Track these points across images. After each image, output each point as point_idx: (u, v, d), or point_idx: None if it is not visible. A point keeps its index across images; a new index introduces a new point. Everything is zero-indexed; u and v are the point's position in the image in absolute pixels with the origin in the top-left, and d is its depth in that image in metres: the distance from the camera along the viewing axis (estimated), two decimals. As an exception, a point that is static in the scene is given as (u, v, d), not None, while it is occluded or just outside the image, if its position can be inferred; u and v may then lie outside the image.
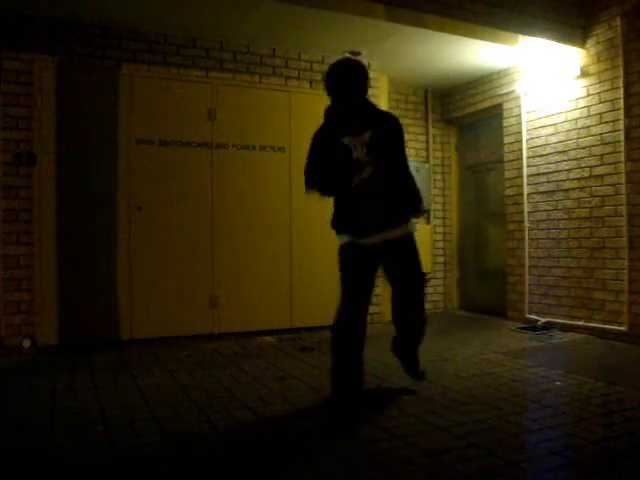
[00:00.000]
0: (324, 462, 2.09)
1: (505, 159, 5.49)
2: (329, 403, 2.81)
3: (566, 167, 4.78)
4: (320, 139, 2.89)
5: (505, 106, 5.50)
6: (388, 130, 2.87)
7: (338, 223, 2.89)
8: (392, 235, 2.80)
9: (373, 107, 2.96)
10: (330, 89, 2.84)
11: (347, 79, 2.81)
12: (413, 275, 2.92)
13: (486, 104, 5.75)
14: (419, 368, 3.09)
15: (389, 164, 2.81)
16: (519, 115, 5.28)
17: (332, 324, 2.86)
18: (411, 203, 2.89)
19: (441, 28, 4.29)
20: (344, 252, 2.85)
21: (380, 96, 5.36)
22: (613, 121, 4.37)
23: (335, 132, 2.82)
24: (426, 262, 6.05)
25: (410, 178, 2.91)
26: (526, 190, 5.18)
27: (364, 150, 2.77)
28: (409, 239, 2.88)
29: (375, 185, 2.77)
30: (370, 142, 2.77)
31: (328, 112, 2.93)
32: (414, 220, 2.95)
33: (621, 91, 4.28)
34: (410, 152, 5.77)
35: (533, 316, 5.06)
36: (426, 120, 6.27)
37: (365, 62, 5.05)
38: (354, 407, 2.73)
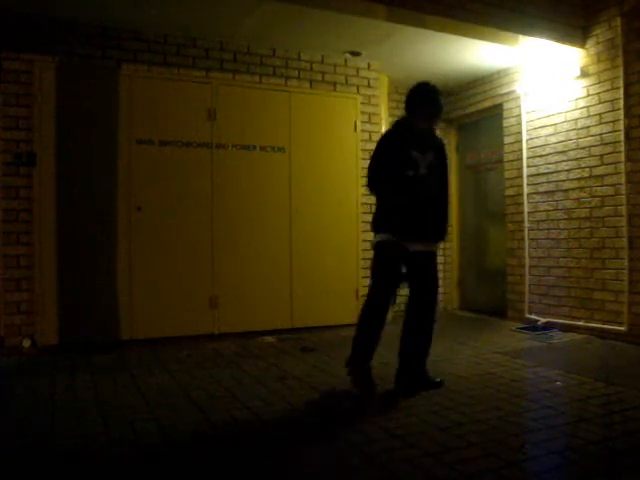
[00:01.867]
0: (324, 462, 2.09)
1: (505, 159, 5.49)
2: (348, 363, 3.08)
3: (566, 167, 4.78)
4: (391, 147, 3.10)
5: (505, 106, 5.50)
6: (441, 154, 3.22)
7: (386, 224, 3.09)
8: (428, 248, 3.13)
9: (434, 131, 3.31)
10: (425, 107, 3.15)
11: (439, 102, 3.18)
12: (432, 287, 3.18)
13: (486, 104, 5.75)
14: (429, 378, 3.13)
15: (439, 186, 3.16)
16: (519, 115, 5.29)
17: (362, 307, 3.23)
18: (444, 228, 3.23)
19: (442, 28, 4.29)
20: (384, 249, 3.09)
21: (380, 96, 5.37)
22: (613, 121, 4.37)
23: (407, 145, 3.08)
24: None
25: (447, 204, 3.27)
26: (526, 190, 5.18)
27: (426, 169, 3.08)
28: (435, 256, 3.23)
29: (430, 201, 3.09)
30: (432, 162, 3.11)
31: (402, 124, 3.19)
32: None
33: (621, 91, 4.28)
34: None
35: (533, 316, 5.06)
36: (426, 120, 6.26)
37: (365, 62, 5.08)
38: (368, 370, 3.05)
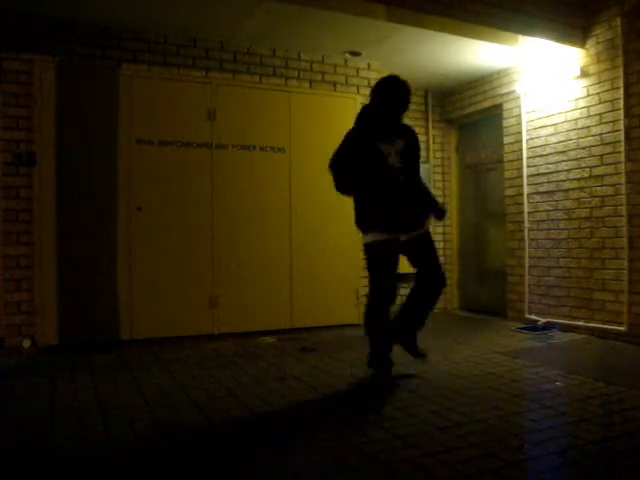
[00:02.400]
0: (324, 462, 2.09)
1: (505, 159, 5.49)
2: (374, 378, 3.21)
3: (566, 167, 4.78)
4: (356, 142, 3.17)
5: (505, 106, 5.50)
6: (413, 141, 3.31)
7: (371, 223, 3.17)
8: (417, 233, 3.23)
9: (401, 120, 3.34)
10: (389, 100, 3.18)
11: (406, 94, 3.20)
12: (437, 264, 3.31)
13: (486, 104, 5.75)
14: (418, 348, 3.40)
15: (413, 171, 3.27)
16: (519, 115, 5.29)
17: (366, 311, 3.29)
18: (435, 203, 3.39)
19: (442, 28, 4.29)
20: (377, 248, 3.17)
21: (380, 96, 5.36)
22: (613, 121, 4.37)
23: (372, 138, 3.14)
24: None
25: (423, 185, 3.40)
26: (526, 190, 5.18)
27: (398, 157, 3.15)
28: (429, 235, 3.33)
29: (407, 189, 3.18)
30: (403, 150, 3.18)
31: (364, 117, 3.24)
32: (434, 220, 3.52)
33: (621, 91, 4.28)
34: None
35: (533, 316, 5.06)
36: (426, 120, 6.27)
37: (365, 62, 5.10)
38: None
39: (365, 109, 3.27)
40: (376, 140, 3.14)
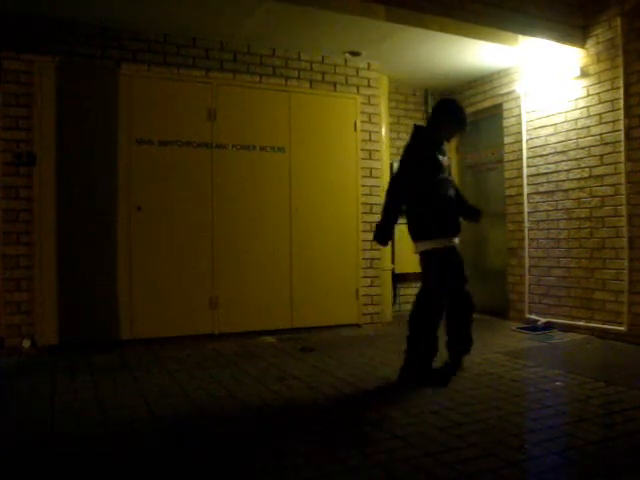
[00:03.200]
0: (323, 462, 2.09)
1: (505, 159, 5.49)
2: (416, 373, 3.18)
3: (566, 167, 4.79)
4: (426, 160, 3.29)
5: (505, 106, 5.50)
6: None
7: (446, 228, 3.33)
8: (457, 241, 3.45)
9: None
10: (463, 122, 3.43)
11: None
12: (464, 278, 3.55)
13: (486, 104, 5.75)
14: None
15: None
16: (519, 115, 5.29)
17: (425, 310, 3.31)
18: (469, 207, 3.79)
19: (442, 28, 4.29)
20: (449, 252, 3.33)
21: (380, 96, 5.37)
22: (613, 121, 4.37)
23: (436, 153, 3.32)
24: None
25: None
26: (526, 190, 5.18)
27: (448, 171, 3.42)
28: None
29: (455, 201, 3.48)
30: (449, 165, 3.46)
31: (423, 135, 3.38)
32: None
33: (621, 91, 4.28)
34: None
35: (533, 316, 5.06)
36: (426, 120, 6.26)
37: (365, 62, 5.11)
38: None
39: (422, 129, 3.45)
40: (439, 154, 3.35)
